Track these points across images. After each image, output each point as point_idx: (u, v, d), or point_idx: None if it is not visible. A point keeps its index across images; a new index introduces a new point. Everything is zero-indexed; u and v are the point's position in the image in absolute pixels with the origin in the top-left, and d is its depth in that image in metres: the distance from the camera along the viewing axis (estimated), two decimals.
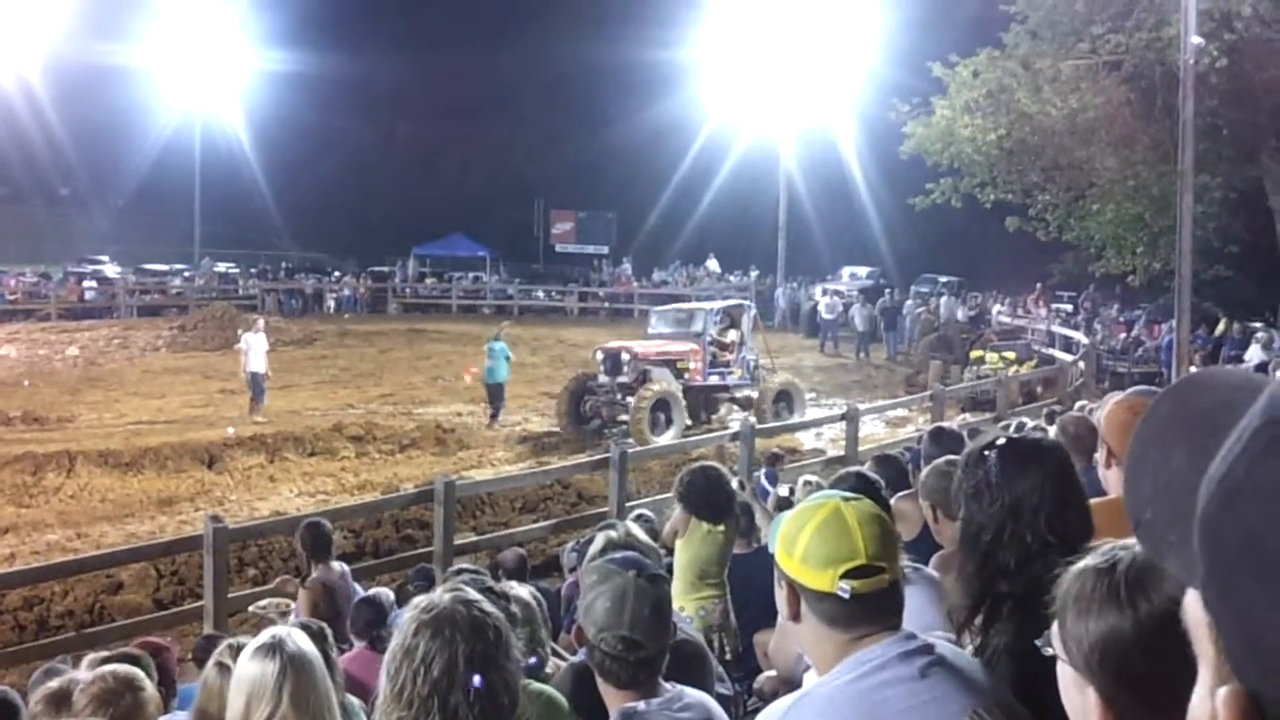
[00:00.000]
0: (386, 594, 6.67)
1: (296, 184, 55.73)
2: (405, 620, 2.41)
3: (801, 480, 8.45)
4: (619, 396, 19.38)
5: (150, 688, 3.85)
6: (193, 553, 10.31)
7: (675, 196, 51.71)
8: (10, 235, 51.55)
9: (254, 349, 21.54)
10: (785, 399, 20.79)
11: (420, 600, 2.48)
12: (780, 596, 2.21)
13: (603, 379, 19.70)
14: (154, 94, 52.25)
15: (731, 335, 21.14)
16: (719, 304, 22.35)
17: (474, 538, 12.34)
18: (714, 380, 20.59)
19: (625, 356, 19.65)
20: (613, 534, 4.80)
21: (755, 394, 20.59)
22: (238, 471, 16.82)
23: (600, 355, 20.18)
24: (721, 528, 5.76)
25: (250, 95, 53.97)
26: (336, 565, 7.35)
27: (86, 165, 53.27)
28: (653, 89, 48.13)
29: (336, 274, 48.26)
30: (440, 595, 2.44)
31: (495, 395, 21.44)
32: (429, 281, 48.46)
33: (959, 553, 2.55)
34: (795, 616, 2.18)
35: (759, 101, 43.23)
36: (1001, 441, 2.55)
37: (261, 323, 23.62)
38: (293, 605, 7.06)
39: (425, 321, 37.21)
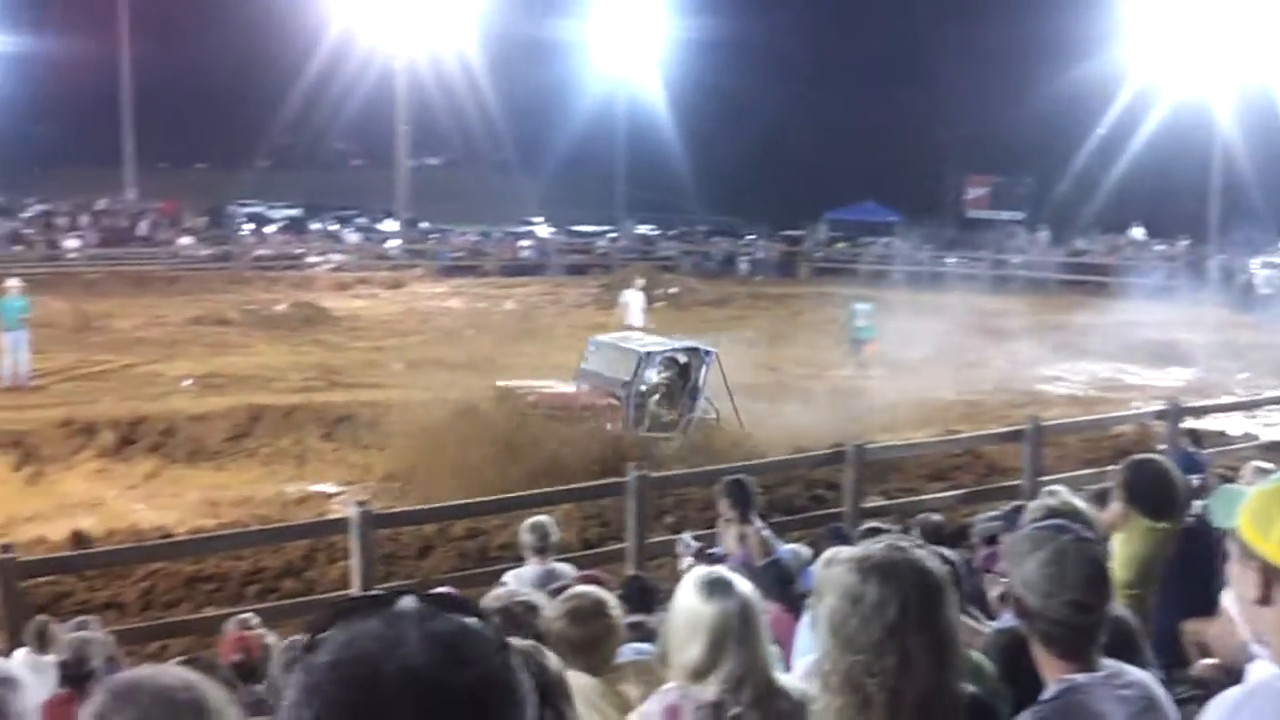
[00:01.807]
0: (803, 550, 6.85)
1: (712, 150, 57.26)
2: (840, 571, 2.36)
3: (1252, 466, 7.91)
4: None
5: (617, 615, 4.05)
6: (617, 497, 10.95)
7: (1092, 160, 49.13)
8: (455, 198, 55.85)
9: (632, 305, 23.73)
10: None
11: (850, 551, 2.47)
12: (1243, 578, 2.09)
13: None
14: (584, 65, 55.32)
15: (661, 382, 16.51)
16: (672, 346, 16.94)
17: (883, 501, 12.37)
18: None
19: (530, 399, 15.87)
20: (1051, 501, 4.68)
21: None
22: None
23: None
24: (1165, 525, 5.31)
25: (669, 64, 55.98)
26: (758, 522, 7.55)
27: (522, 133, 56.99)
28: (1073, 50, 45.90)
29: (750, 237, 49.12)
30: (873, 546, 2.41)
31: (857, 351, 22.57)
32: (839, 246, 48.45)
33: None
34: (1265, 600, 2.04)
35: (1189, 58, 40.23)
36: None
37: (641, 281, 25.62)
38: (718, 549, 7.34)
39: (834, 285, 37.30)
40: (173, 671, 2.16)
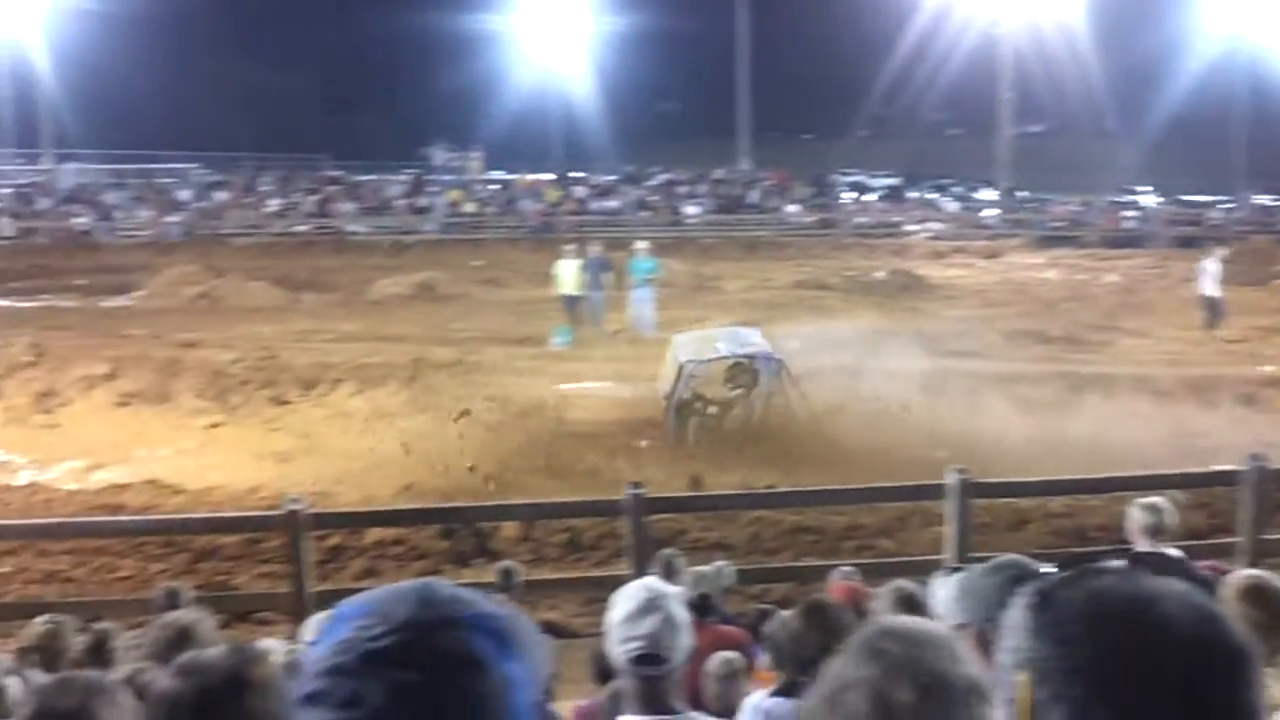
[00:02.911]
0: None
1: None
2: None
3: None
4: None
5: None
6: (1230, 487, 10.27)
7: None
8: (1055, 166, 54.06)
9: (1208, 274, 23.10)
10: None
11: None
12: None
13: None
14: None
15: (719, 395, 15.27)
16: (727, 353, 15.27)
17: None
18: None
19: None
20: None
21: None
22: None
23: None
24: None
25: None
26: None
27: (1126, 98, 53.92)
28: None
29: None
30: None
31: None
32: None
33: None
34: None
35: None
36: None
37: (1219, 252, 24.50)
38: None
39: None
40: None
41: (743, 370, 14.96)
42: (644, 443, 14.42)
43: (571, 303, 22.78)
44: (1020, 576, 2.53)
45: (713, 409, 15.06)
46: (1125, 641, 1.07)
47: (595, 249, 23.89)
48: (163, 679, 1.98)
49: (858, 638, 1.65)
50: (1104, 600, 1.10)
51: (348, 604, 1.21)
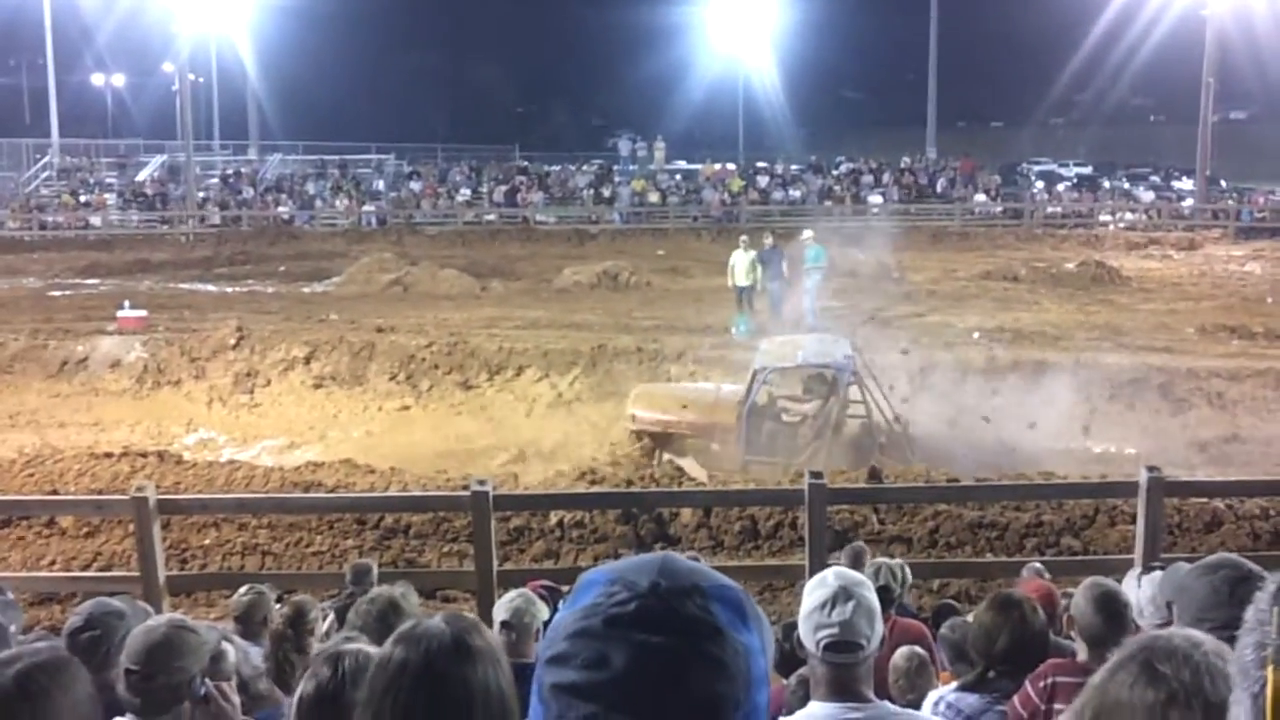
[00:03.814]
0: None
1: None
2: None
3: None
4: None
5: None
6: None
7: None
8: (1260, 154, 51.63)
9: None
10: None
11: None
12: None
13: None
14: None
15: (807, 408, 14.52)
16: (796, 364, 14.53)
17: None
18: None
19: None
20: None
21: None
22: None
23: None
24: None
25: None
26: None
27: None
28: None
29: None
30: None
31: None
32: None
33: None
34: None
35: None
36: None
37: None
38: None
39: None
40: None
41: (820, 381, 14.60)
42: (715, 446, 14.25)
43: (744, 293, 22.77)
44: (1240, 577, 2.45)
45: (789, 417, 14.68)
46: None
47: (768, 240, 23.92)
48: (384, 647, 2.06)
49: (1133, 654, 1.60)
50: None
51: (593, 572, 1.27)
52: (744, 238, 23.88)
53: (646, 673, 1.13)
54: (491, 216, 42.24)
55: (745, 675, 1.18)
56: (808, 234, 23.57)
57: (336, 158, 50.19)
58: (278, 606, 5.86)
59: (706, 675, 1.15)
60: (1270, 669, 1.07)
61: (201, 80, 54.47)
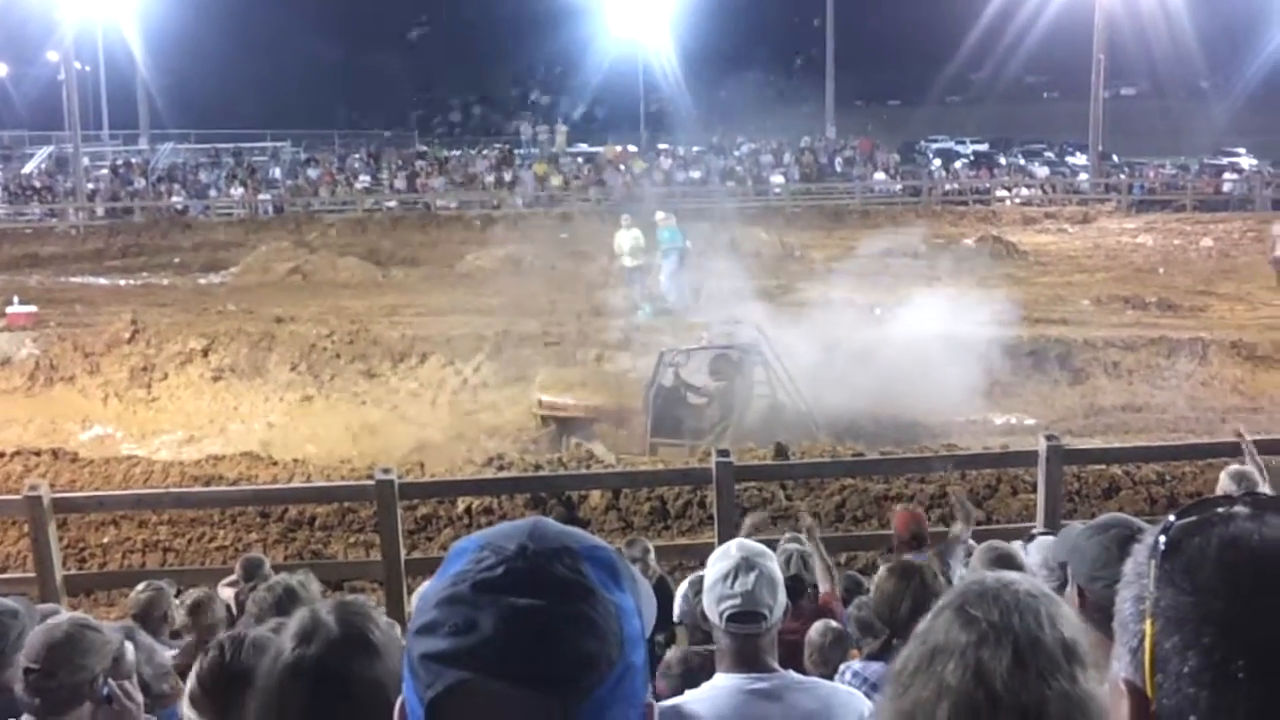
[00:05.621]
0: None
1: None
2: None
3: None
4: None
5: None
6: None
7: None
8: (1150, 130, 52.90)
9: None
10: None
11: None
12: None
13: None
14: None
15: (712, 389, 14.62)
16: (701, 345, 15.02)
17: None
18: None
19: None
20: None
21: None
22: None
23: None
24: None
25: None
26: None
27: (1223, 57, 52.52)
28: None
29: None
30: None
31: None
32: None
33: None
34: None
35: None
36: None
37: None
38: None
39: None
40: None
41: (726, 361, 14.56)
42: (623, 431, 14.25)
43: (631, 275, 22.38)
44: (1129, 535, 2.48)
45: (695, 398, 14.72)
46: (1261, 585, 1.03)
47: (660, 215, 23.10)
48: (277, 641, 1.98)
49: (950, 600, 1.64)
50: (1237, 545, 1.06)
51: (463, 541, 1.23)
52: (625, 216, 23.36)
53: (516, 634, 1.10)
54: (392, 203, 41.63)
55: (618, 635, 1.15)
56: (660, 215, 22.98)
57: (231, 146, 49.23)
58: (177, 603, 5.74)
59: (577, 635, 1.12)
60: (1148, 622, 1.06)
61: (89, 69, 52.98)
